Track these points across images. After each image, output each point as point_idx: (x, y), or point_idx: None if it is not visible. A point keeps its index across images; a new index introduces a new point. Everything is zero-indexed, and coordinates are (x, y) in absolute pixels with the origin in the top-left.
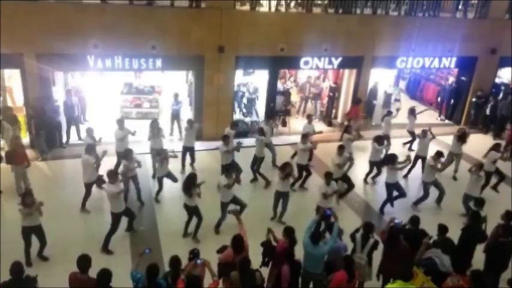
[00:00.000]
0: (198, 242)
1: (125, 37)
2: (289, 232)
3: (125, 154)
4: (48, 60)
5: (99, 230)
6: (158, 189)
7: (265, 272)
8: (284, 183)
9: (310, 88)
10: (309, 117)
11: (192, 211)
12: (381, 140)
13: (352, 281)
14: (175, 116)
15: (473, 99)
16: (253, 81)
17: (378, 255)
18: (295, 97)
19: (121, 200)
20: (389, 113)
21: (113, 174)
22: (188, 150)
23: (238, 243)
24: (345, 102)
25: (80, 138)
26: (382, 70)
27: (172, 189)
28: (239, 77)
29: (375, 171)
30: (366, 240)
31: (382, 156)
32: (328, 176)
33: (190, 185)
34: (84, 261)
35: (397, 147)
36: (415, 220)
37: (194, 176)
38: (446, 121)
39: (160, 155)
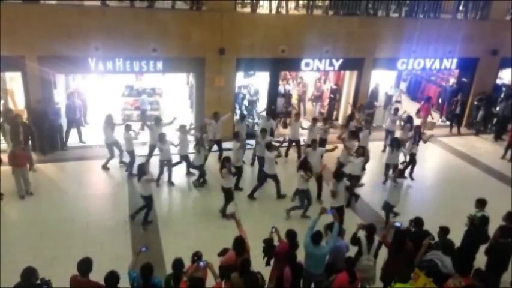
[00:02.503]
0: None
1: (126, 39)
2: (290, 235)
3: (159, 138)
4: (50, 62)
5: (100, 232)
6: (199, 176)
7: (267, 272)
8: (300, 181)
9: (302, 88)
10: (314, 121)
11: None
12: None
13: (354, 283)
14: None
15: (475, 103)
16: (254, 83)
17: (379, 258)
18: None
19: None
20: (396, 111)
21: (144, 166)
22: (183, 159)
23: (240, 245)
24: (345, 104)
25: (81, 141)
26: (383, 72)
27: (172, 190)
28: (240, 79)
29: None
30: (370, 241)
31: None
32: (338, 174)
33: (224, 165)
34: (84, 265)
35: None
36: (418, 221)
37: (227, 158)
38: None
39: (197, 145)
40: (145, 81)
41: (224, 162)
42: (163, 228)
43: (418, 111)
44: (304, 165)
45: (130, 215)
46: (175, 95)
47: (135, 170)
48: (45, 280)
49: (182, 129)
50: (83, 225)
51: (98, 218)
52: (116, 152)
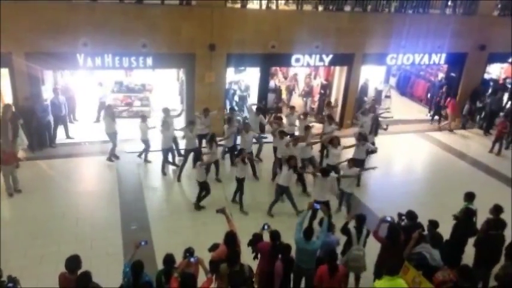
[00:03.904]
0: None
1: (115, 35)
2: (273, 235)
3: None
4: (38, 58)
5: (91, 229)
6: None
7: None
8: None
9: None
10: (305, 115)
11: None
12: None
13: (334, 274)
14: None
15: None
16: (244, 79)
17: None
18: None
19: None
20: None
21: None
22: (169, 151)
23: (231, 239)
24: (335, 100)
25: (68, 137)
26: (373, 67)
27: (162, 187)
28: (230, 74)
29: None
30: (360, 231)
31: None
32: (324, 170)
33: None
34: (73, 262)
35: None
36: (411, 215)
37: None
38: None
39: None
40: (135, 77)
41: (240, 152)
42: (154, 224)
43: (444, 107)
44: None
45: (193, 203)
46: (165, 91)
47: (148, 157)
48: (12, 278)
49: (166, 112)
50: (73, 222)
51: (88, 215)
52: (108, 147)
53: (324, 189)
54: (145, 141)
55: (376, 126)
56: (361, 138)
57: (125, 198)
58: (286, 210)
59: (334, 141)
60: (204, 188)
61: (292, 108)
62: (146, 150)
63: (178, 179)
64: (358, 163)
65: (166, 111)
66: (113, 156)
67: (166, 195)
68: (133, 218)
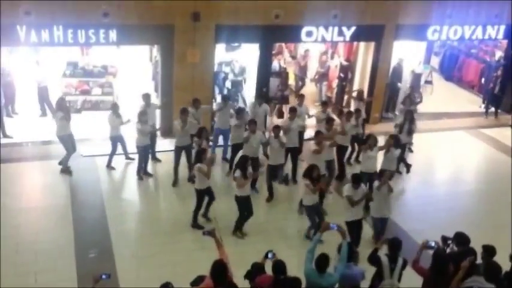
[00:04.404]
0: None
1: (67, 1)
2: (276, 267)
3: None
4: None
5: (35, 258)
6: None
7: None
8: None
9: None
10: (324, 106)
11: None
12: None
13: None
14: None
15: None
16: (239, 59)
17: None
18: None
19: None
20: (410, 101)
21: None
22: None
23: (220, 271)
24: (360, 85)
25: (5, 136)
26: (409, 43)
27: (132, 200)
28: (221, 53)
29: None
30: (394, 261)
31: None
32: (356, 178)
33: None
34: None
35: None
36: (462, 238)
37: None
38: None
39: None
40: (93, 57)
41: (243, 161)
42: (120, 250)
43: (502, 96)
44: (310, 172)
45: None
46: (134, 75)
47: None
48: None
49: (147, 99)
50: (12, 248)
51: (32, 238)
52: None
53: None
54: (116, 140)
55: (411, 123)
56: (395, 141)
57: (80, 216)
58: (299, 232)
59: (370, 141)
60: (202, 199)
61: (301, 97)
62: (114, 152)
63: (174, 184)
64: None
65: (146, 97)
66: (64, 166)
67: (137, 211)
68: (91, 242)
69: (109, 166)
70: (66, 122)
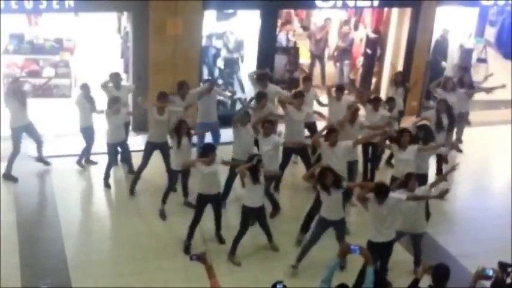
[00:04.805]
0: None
1: None
2: None
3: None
4: None
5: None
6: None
7: None
8: None
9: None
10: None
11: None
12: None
13: None
14: None
15: None
16: (234, 30)
17: None
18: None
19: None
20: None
21: None
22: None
23: None
24: (393, 64)
25: None
26: (457, 9)
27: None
28: (210, 22)
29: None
30: None
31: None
32: (382, 190)
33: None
34: None
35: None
36: None
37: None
38: None
39: None
40: (44, 28)
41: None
42: (80, 280)
43: None
44: (324, 176)
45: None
46: (97, 51)
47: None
48: None
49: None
50: None
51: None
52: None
53: (380, 221)
54: (89, 132)
55: (451, 116)
56: (426, 135)
57: (28, 235)
58: (315, 259)
59: (403, 139)
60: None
61: (307, 80)
62: (89, 148)
63: (132, 192)
64: (420, 179)
65: (116, 77)
66: (7, 170)
67: (103, 229)
68: (43, 269)
69: (88, 161)
70: (20, 108)
